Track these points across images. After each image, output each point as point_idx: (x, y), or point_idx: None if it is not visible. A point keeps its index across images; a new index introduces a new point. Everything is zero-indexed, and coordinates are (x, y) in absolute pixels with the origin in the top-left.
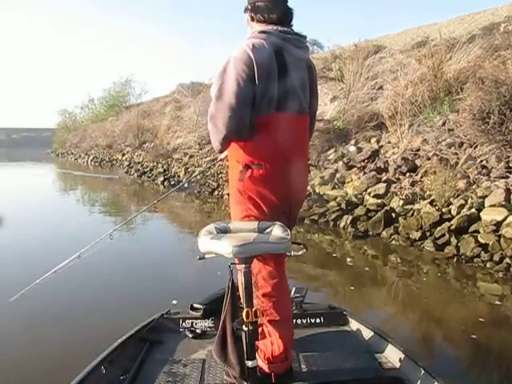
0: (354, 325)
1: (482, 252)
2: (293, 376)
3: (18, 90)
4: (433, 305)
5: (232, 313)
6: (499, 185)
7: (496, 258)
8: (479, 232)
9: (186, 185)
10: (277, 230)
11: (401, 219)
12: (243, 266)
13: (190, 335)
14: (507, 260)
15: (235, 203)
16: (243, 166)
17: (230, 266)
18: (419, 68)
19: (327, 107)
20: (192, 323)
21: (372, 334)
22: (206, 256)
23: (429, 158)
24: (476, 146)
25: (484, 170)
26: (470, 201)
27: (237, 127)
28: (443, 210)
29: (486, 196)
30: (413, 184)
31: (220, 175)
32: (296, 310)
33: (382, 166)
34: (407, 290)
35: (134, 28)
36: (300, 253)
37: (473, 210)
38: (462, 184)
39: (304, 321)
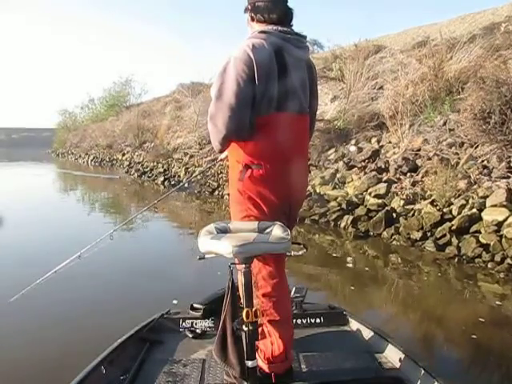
0: (353, 325)
1: (484, 252)
2: (293, 376)
3: (18, 90)
4: (433, 305)
5: (232, 313)
6: (500, 185)
7: (497, 258)
8: (480, 232)
9: (186, 185)
10: (277, 230)
11: (402, 219)
12: (243, 266)
13: (190, 335)
14: (508, 260)
15: (235, 203)
16: (243, 166)
17: (230, 266)
18: (420, 68)
19: (328, 107)
20: (192, 323)
21: (372, 334)
22: (206, 256)
23: (429, 158)
24: (477, 146)
25: (485, 170)
26: (471, 201)
27: (237, 127)
28: (444, 210)
29: (488, 196)
30: (414, 184)
31: (220, 175)
32: (296, 310)
33: (383, 166)
34: (408, 291)
35: (133, 28)
36: (300, 253)
37: (474, 210)
38: (463, 184)
39: (304, 321)
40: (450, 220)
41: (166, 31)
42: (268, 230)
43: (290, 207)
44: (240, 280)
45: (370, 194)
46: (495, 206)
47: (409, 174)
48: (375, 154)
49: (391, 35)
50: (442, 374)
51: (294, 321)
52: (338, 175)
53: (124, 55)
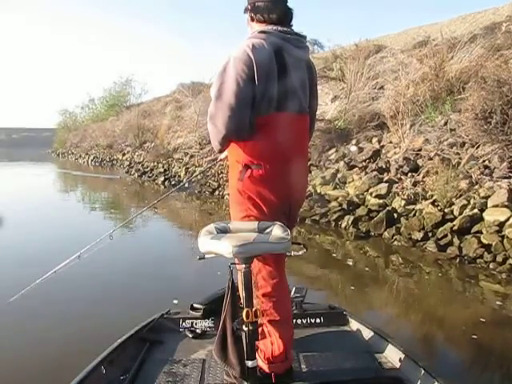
0: (354, 325)
1: (485, 253)
2: (293, 376)
3: (18, 90)
4: (434, 305)
5: (232, 313)
6: (502, 185)
7: (499, 258)
8: (482, 232)
9: (186, 185)
10: (277, 230)
11: (403, 219)
12: (243, 265)
13: (190, 335)
14: (510, 261)
15: (235, 203)
16: (243, 166)
17: (230, 266)
18: (421, 67)
19: (328, 107)
20: (192, 323)
21: (372, 334)
22: (206, 256)
23: (430, 158)
24: (478, 146)
25: (486, 170)
26: (472, 201)
27: (236, 127)
28: (445, 210)
29: (489, 196)
30: (415, 184)
31: (221, 175)
32: (296, 310)
33: (384, 166)
34: (409, 291)
35: (134, 28)
36: (300, 253)
37: (475, 210)
38: (464, 184)
39: (304, 321)
40: (452, 220)
41: (165, 31)
42: (268, 230)
43: (289, 207)
44: (240, 280)
45: (370, 194)
46: (497, 206)
47: (410, 174)
48: (376, 153)
49: (392, 35)
50: (442, 374)
51: (294, 321)
52: (339, 175)
53: (124, 55)
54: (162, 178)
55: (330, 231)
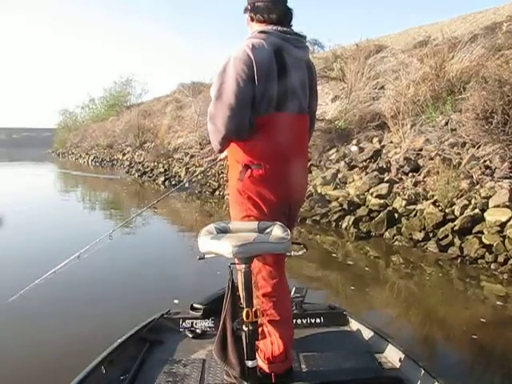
0: (354, 325)
1: (487, 253)
2: (293, 376)
3: (18, 90)
4: (435, 306)
5: (232, 313)
6: (503, 185)
7: (500, 259)
8: (483, 233)
9: (186, 185)
10: (277, 230)
11: (403, 220)
12: (243, 265)
13: (190, 335)
14: None
15: (235, 203)
16: (243, 166)
17: (229, 266)
18: (421, 67)
19: (328, 107)
20: (192, 323)
21: (372, 334)
22: (206, 256)
23: (431, 158)
24: (479, 146)
25: (487, 170)
26: (473, 201)
27: (236, 127)
28: (446, 210)
29: (490, 196)
30: (415, 184)
31: (221, 175)
32: (296, 310)
33: (385, 166)
34: (409, 291)
35: (134, 28)
36: (300, 253)
37: (476, 210)
38: (465, 184)
39: (304, 321)
40: (453, 220)
41: (166, 30)
42: (268, 230)
43: (289, 207)
44: (240, 280)
45: (371, 194)
46: (498, 206)
47: (410, 174)
48: (377, 153)
49: (392, 35)
50: (442, 374)
51: (294, 321)
52: (340, 175)
53: (124, 55)
54: (162, 178)
55: (331, 231)
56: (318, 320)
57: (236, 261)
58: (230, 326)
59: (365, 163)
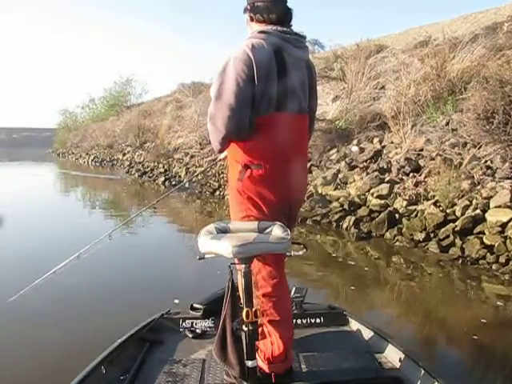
0: (354, 325)
1: (488, 254)
2: (293, 376)
3: (18, 90)
4: (435, 306)
5: (232, 313)
6: (504, 185)
7: (502, 259)
8: (484, 233)
9: (186, 185)
10: (277, 230)
11: (404, 220)
12: (243, 265)
13: (190, 335)
14: None
15: (235, 203)
16: (242, 166)
17: (229, 266)
18: (422, 67)
19: (329, 107)
20: (192, 323)
21: (372, 334)
22: (206, 256)
23: (432, 159)
24: (480, 146)
25: (489, 171)
26: (474, 202)
27: (236, 127)
28: (447, 210)
29: (491, 197)
30: (416, 184)
31: (221, 175)
32: (296, 310)
33: (385, 167)
34: (410, 292)
35: (134, 28)
36: (300, 253)
37: (478, 210)
38: (466, 184)
39: (304, 321)
40: (454, 221)
41: (166, 30)
42: (268, 230)
43: (289, 207)
44: (240, 280)
45: (372, 194)
46: (499, 206)
47: (411, 175)
48: (377, 154)
49: (393, 35)
50: (442, 374)
51: (294, 321)
52: (340, 175)
53: (124, 55)
54: (162, 178)
55: (331, 232)
56: (318, 320)
57: (236, 261)
58: (229, 326)
59: (365, 163)
